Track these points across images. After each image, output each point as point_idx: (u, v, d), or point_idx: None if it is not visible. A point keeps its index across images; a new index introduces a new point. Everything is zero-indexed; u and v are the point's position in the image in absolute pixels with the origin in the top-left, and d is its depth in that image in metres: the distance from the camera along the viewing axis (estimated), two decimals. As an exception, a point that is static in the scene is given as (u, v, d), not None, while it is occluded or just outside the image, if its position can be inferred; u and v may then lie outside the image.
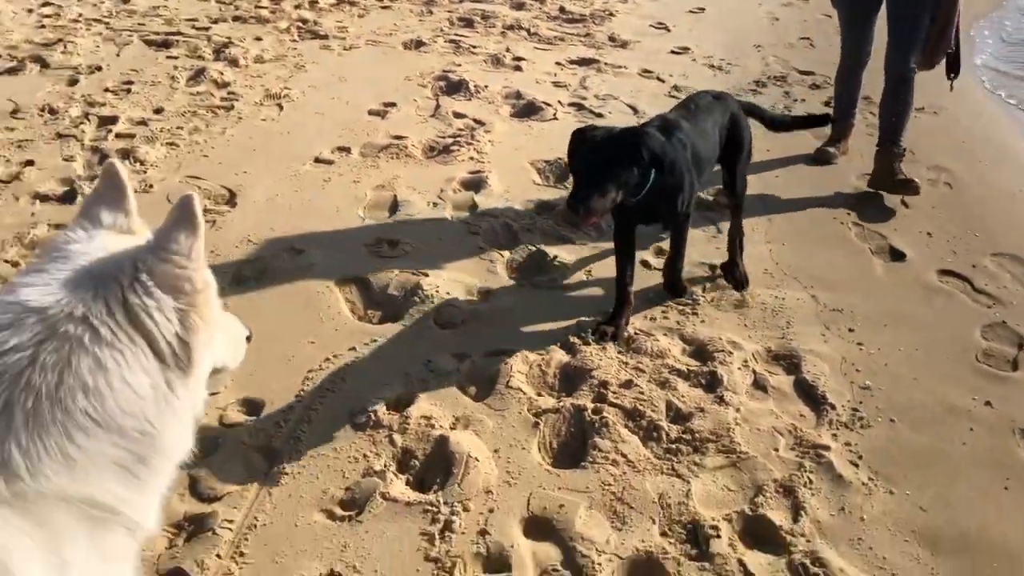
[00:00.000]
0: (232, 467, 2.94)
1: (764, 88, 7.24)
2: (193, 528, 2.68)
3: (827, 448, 3.16)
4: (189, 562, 2.53)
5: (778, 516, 2.85)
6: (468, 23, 8.48)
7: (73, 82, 6.42)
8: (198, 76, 6.61)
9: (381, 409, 3.21)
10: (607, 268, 4.09)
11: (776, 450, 3.15)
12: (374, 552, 2.64)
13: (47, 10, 8.31)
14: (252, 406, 3.25)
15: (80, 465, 1.38)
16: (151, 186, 4.84)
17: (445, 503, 2.82)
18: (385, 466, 2.97)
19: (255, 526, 2.71)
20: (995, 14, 11.47)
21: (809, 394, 3.48)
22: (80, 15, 8.17)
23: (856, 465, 3.11)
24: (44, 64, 6.75)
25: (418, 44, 7.73)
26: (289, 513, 2.77)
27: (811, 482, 3.01)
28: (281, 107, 6.13)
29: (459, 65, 7.15)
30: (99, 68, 6.73)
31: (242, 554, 2.61)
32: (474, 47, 7.69)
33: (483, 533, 2.72)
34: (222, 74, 6.65)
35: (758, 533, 2.81)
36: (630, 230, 3.78)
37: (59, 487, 1.35)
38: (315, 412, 3.22)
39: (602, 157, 3.35)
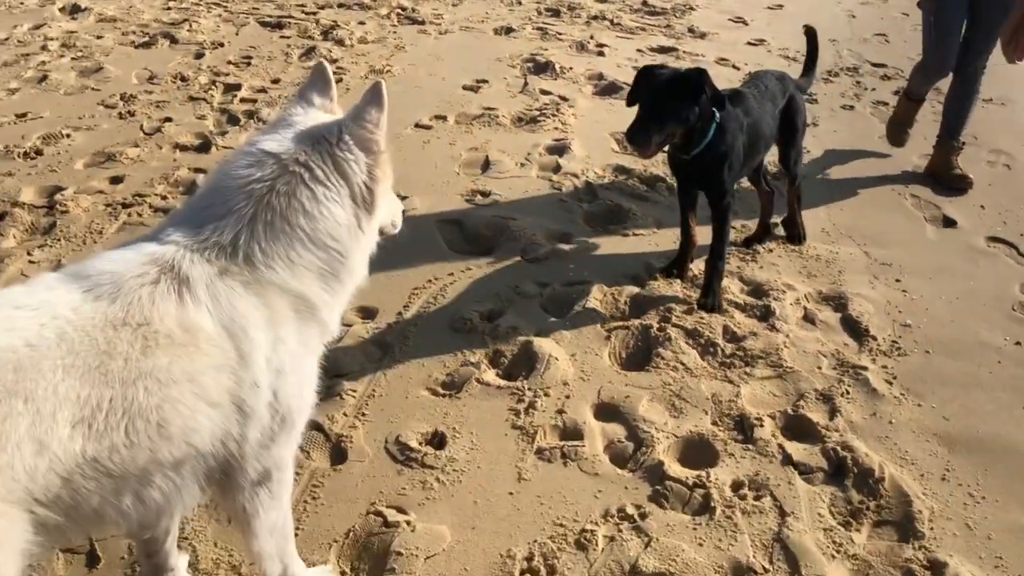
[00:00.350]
0: (354, 353, 3.52)
1: (836, 78, 7.60)
2: (323, 394, 3.25)
3: (865, 368, 3.60)
4: (321, 416, 3.11)
5: (816, 415, 3.30)
6: (555, 13, 9.01)
7: (199, 55, 7.15)
8: (309, 53, 7.28)
9: (476, 318, 3.77)
10: (676, 221, 4.56)
11: (819, 368, 3.60)
12: (470, 419, 3.19)
13: (172, -6, 9.12)
14: (368, 312, 3.83)
15: (297, 267, 1.97)
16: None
17: (529, 389, 3.35)
18: (479, 360, 3.52)
19: (373, 395, 3.28)
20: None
21: (853, 328, 3.91)
22: (201, -1, 8.97)
23: (890, 383, 3.54)
24: (173, 40, 7.52)
25: (508, 30, 8.29)
26: (400, 388, 3.33)
27: (848, 393, 3.45)
28: (383, 81, 6.73)
29: (546, 49, 7.68)
30: (221, 44, 7.46)
31: (363, 415, 3.19)
32: (560, 34, 8.22)
33: (560, 412, 3.24)
34: (331, 51, 7.31)
35: (797, 428, 3.26)
36: (689, 188, 4.18)
37: (283, 280, 1.94)
38: (420, 318, 3.79)
39: (665, 93, 3.66)
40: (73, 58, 6.97)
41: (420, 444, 3.07)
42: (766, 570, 2.62)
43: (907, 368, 3.65)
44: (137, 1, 8.78)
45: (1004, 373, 3.66)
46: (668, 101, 3.63)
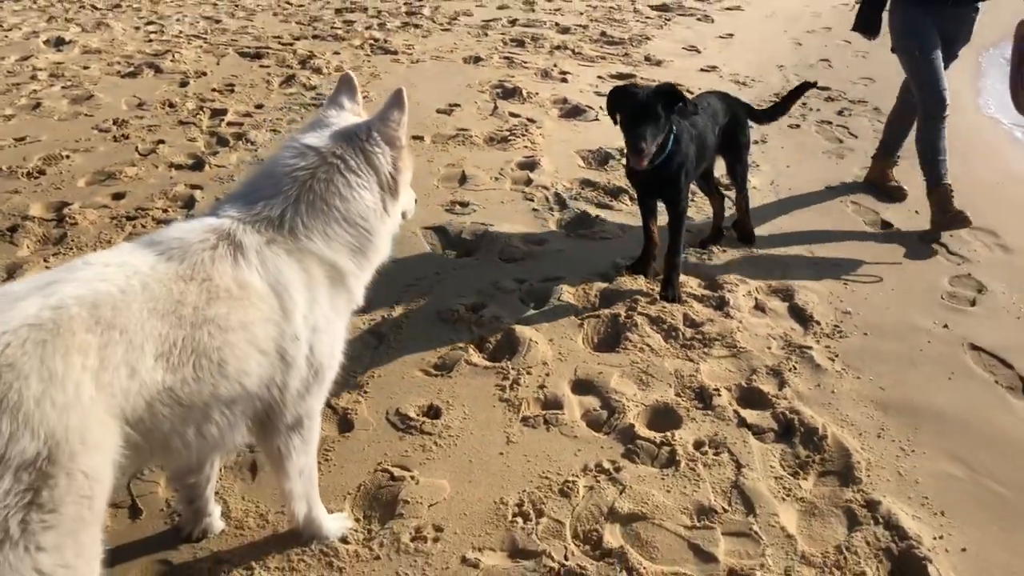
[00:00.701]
0: (351, 343, 3.82)
1: (783, 100, 8.14)
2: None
3: (810, 348, 4.04)
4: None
5: (767, 386, 3.73)
6: (520, 43, 9.51)
7: (184, 84, 7.52)
8: (289, 81, 7.68)
9: (461, 310, 4.16)
10: (638, 226, 5.00)
11: (769, 348, 4.04)
12: (461, 394, 3.57)
13: (151, 28, 9.50)
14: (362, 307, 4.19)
15: (332, 241, 2.36)
16: (262, 160, 5.85)
17: (513, 368, 3.74)
18: (466, 345, 3.90)
19: (373, 376, 3.65)
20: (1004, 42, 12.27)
21: (799, 315, 4.36)
22: (180, 31, 9.34)
23: (832, 360, 3.98)
24: (158, 69, 7.88)
25: (476, 59, 8.77)
26: (397, 369, 3.71)
27: (795, 368, 3.88)
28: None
29: (513, 76, 8.16)
30: (204, 73, 7.83)
31: (365, 392, 3.56)
32: (525, 63, 8.71)
33: (541, 387, 3.64)
34: (309, 79, 7.72)
35: (750, 397, 3.68)
36: (647, 198, 4.63)
37: (320, 250, 2.33)
38: (411, 311, 4.17)
39: (653, 104, 4.07)
40: (63, 87, 7.30)
41: (418, 415, 3.44)
42: (725, 510, 3.02)
43: (847, 347, 4.10)
44: (119, 34, 9.13)
45: (933, 351, 4.12)
46: (655, 112, 4.06)
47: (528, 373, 3.72)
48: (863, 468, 3.26)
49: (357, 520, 2.90)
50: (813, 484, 3.20)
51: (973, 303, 4.61)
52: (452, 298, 4.28)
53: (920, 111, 5.50)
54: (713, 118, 4.75)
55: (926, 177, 5.48)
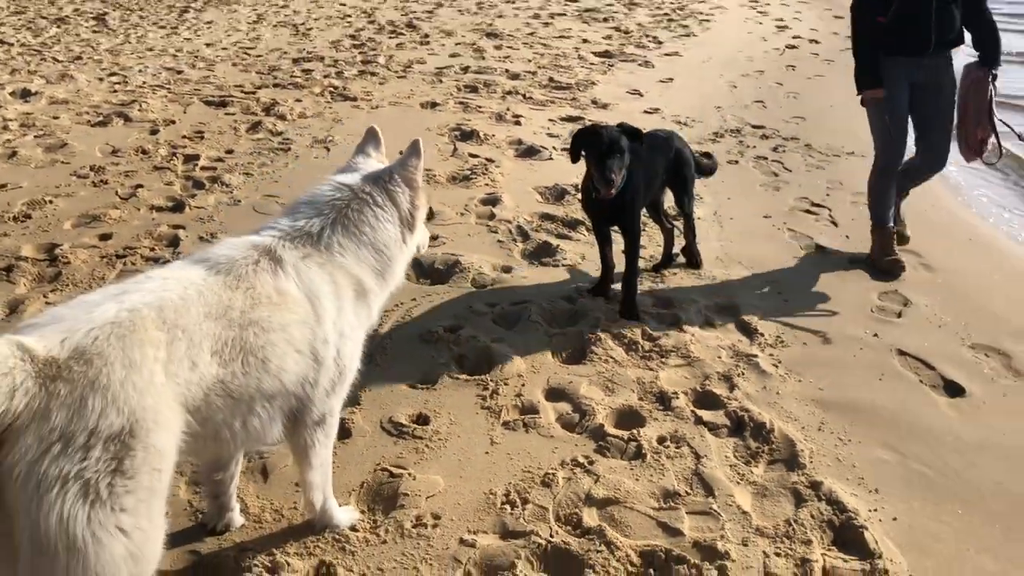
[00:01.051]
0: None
1: (721, 138, 8.75)
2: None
3: (756, 356, 4.49)
4: (325, 406, 3.80)
5: (719, 390, 4.16)
6: (473, 89, 10.00)
7: (154, 131, 7.83)
8: (255, 127, 8.04)
9: (440, 331, 4.54)
10: (595, 254, 5.44)
11: (720, 357, 4.48)
12: (447, 404, 3.93)
13: (115, 78, 9.80)
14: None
15: (360, 261, 2.77)
16: (239, 201, 6.20)
17: (491, 380, 4.12)
18: (447, 361, 4.28)
19: (365, 390, 3.99)
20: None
21: (745, 328, 4.82)
22: (144, 82, 9.66)
23: (776, 366, 4.44)
24: (127, 118, 8.18)
25: (433, 105, 9.22)
26: (386, 385, 4.06)
27: (743, 374, 4.32)
28: (328, 149, 7.55)
29: (469, 120, 8.62)
30: (172, 121, 8.15)
31: (359, 404, 3.90)
32: (480, 107, 9.19)
33: (518, 395, 4.02)
34: (275, 125, 8.09)
35: (705, 399, 4.11)
36: (603, 227, 5.09)
37: (349, 266, 2.73)
38: (394, 333, 4.54)
39: (618, 141, 4.58)
40: (36, 136, 7.56)
41: (409, 422, 3.79)
42: (688, 493, 3.42)
43: (789, 355, 4.56)
44: (84, 84, 9.41)
45: (865, 356, 4.60)
46: (620, 147, 4.58)
47: (505, 384, 4.10)
48: (807, 455, 3.69)
49: (363, 512, 3.23)
50: (763, 470, 3.62)
51: (899, 315, 5.12)
52: (431, 322, 4.66)
53: (877, 162, 5.76)
54: (662, 154, 5.24)
55: (872, 215, 5.84)
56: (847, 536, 3.24)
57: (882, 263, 5.69)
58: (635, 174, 4.81)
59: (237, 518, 3.10)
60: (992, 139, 5.48)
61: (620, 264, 5.05)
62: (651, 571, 3.00)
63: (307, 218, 2.77)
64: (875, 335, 4.85)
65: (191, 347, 2.26)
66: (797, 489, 3.48)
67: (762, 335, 4.74)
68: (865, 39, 5.46)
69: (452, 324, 4.65)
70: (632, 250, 4.89)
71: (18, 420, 1.94)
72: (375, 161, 3.09)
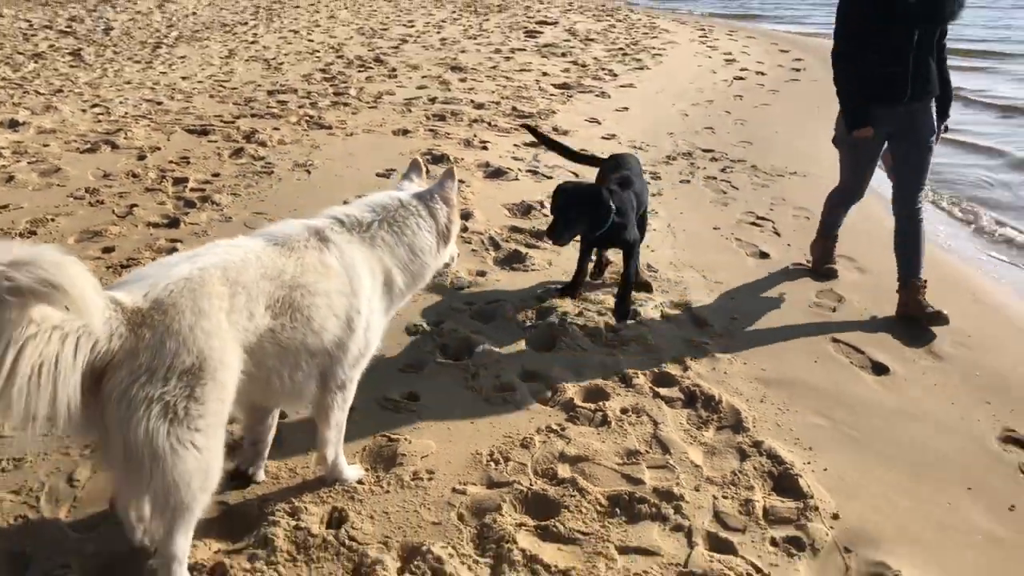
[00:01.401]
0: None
1: (675, 161, 9.41)
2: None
3: (707, 343, 5.06)
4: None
5: (674, 370, 4.71)
6: (441, 118, 10.58)
7: (142, 157, 8.27)
8: (238, 153, 8.51)
9: (424, 325, 5.04)
10: (564, 261, 6.00)
11: (674, 344, 5.03)
12: (434, 384, 4.43)
13: (98, 109, 10.22)
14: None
15: (395, 257, 3.31)
16: (230, 218, 6.66)
17: (472, 365, 4.63)
18: (432, 350, 4.78)
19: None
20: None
21: (697, 321, 5.39)
22: (126, 112, 10.09)
23: (724, 351, 5.00)
24: (114, 145, 8.61)
25: (404, 132, 9.77)
26: (378, 369, 4.48)
27: (695, 358, 4.88)
28: (309, 172, 8.05)
29: (439, 145, 9.18)
30: (158, 148, 8.60)
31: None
32: (449, 134, 9.76)
33: (497, 377, 4.53)
34: (257, 151, 8.57)
35: (662, 379, 4.65)
36: (590, 250, 5.61)
37: (385, 259, 3.29)
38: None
39: (572, 204, 5.09)
40: (29, 162, 7.96)
41: (401, 399, 4.29)
42: (648, 452, 3.94)
43: (736, 343, 5.13)
44: (68, 115, 9.82)
45: (803, 343, 5.19)
46: (573, 211, 5.12)
47: (485, 368, 4.61)
48: (750, 421, 4.25)
49: (367, 470, 3.71)
50: (713, 434, 4.16)
51: (834, 310, 5.74)
52: (415, 317, 5.16)
53: (838, 191, 6.16)
54: (640, 176, 5.82)
55: (821, 224, 6.36)
56: (784, 483, 3.79)
57: (822, 269, 6.34)
58: (625, 211, 5.27)
59: (260, 473, 3.56)
60: None
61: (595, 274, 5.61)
62: (617, 510, 3.52)
63: (360, 212, 3.33)
64: (810, 323, 5.44)
65: (249, 300, 2.77)
66: (742, 447, 4.03)
67: (711, 326, 5.31)
68: (852, 83, 5.48)
69: (435, 319, 5.15)
70: (629, 261, 5.37)
71: (115, 358, 2.44)
72: (416, 185, 3.66)
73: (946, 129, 5.74)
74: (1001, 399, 4.67)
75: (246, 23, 19.07)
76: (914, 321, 5.47)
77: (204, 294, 2.64)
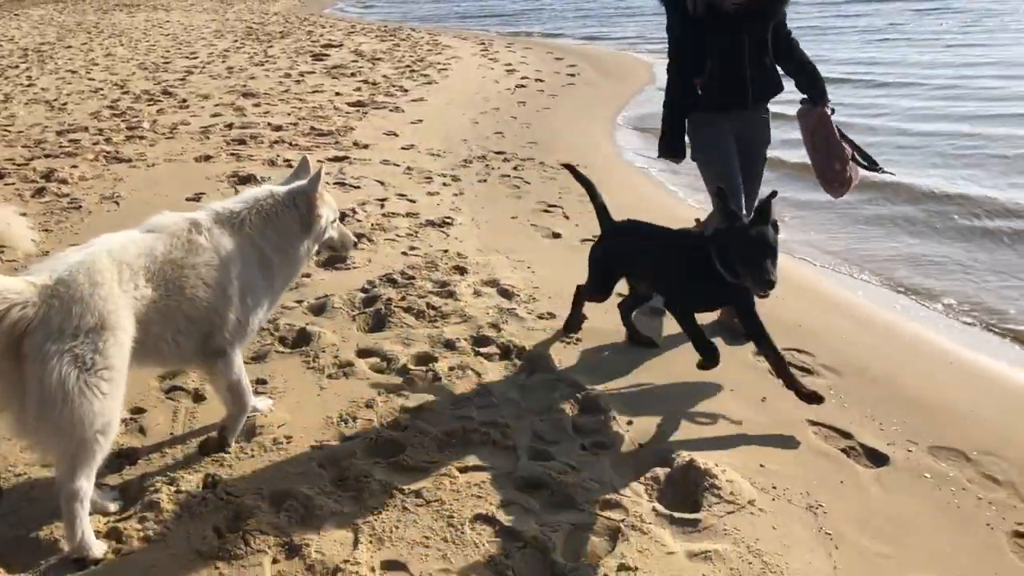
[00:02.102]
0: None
1: (470, 164, 10.22)
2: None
3: (515, 309, 5.82)
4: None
5: (490, 333, 5.42)
6: (241, 141, 10.88)
7: (-65, 205, 8.10)
8: (40, 192, 8.51)
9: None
10: (383, 258, 6.58)
11: (488, 313, 5.75)
12: (277, 371, 4.92)
13: None
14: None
15: (267, 240, 3.82)
16: (47, 252, 6.78)
17: (311, 351, 5.15)
18: (272, 343, 5.25)
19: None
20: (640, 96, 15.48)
21: (506, 293, 6.14)
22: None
23: (530, 314, 5.77)
24: (-99, 196, 8.36)
25: (207, 157, 10.02)
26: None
27: (507, 321, 5.62)
28: (117, 203, 8.20)
29: (244, 167, 9.52)
30: (-49, 194, 8.44)
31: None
32: (252, 156, 10.10)
33: (335, 357, 5.06)
34: (60, 188, 8.60)
35: (481, 341, 5.34)
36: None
37: (256, 239, 3.82)
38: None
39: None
40: None
41: (252, 384, 4.73)
42: (475, 396, 4.62)
43: (538, 307, 5.91)
44: None
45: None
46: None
47: (323, 351, 5.14)
48: (558, 362, 5.04)
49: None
50: (527, 376, 4.90)
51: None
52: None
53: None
54: None
55: None
56: (588, 404, 4.57)
57: (728, 323, 5.65)
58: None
59: None
60: (851, 164, 5.38)
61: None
62: (454, 441, 4.17)
63: (233, 203, 3.88)
64: (602, 287, 6.33)
65: (133, 275, 3.33)
66: (553, 382, 4.80)
67: (518, 296, 6.08)
68: (677, 103, 5.38)
69: (270, 318, 5.59)
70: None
71: (31, 324, 2.99)
72: (298, 181, 4.12)
73: (833, 111, 5.44)
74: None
75: (16, 66, 18.29)
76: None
77: (96, 270, 3.20)
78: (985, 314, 6.33)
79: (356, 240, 4.57)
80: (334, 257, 6.67)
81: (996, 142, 11.11)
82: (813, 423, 4.46)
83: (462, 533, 3.52)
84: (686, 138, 5.51)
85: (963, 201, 8.81)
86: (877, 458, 4.18)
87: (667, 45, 5.40)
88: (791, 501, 3.80)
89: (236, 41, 23.03)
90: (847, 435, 4.37)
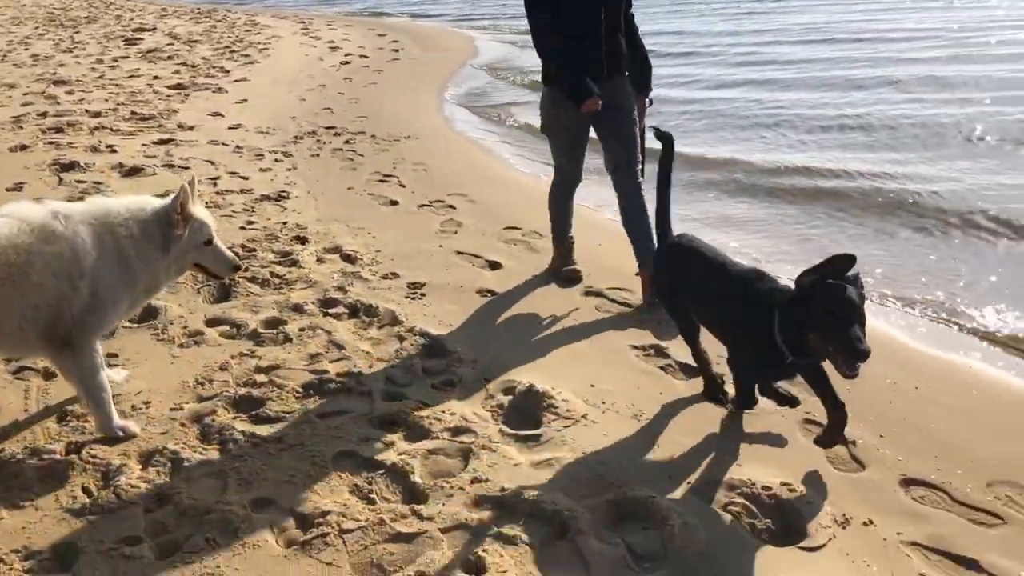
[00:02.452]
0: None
1: (301, 140, 10.30)
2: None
3: (358, 272, 6.07)
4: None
5: (336, 295, 5.65)
6: (58, 130, 10.45)
7: None
8: None
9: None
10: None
11: (333, 277, 5.97)
12: (128, 345, 4.97)
13: None
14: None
15: (128, 241, 3.81)
16: None
17: (159, 324, 5.22)
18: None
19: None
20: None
21: (348, 258, 6.37)
22: None
23: (373, 275, 6.03)
24: None
25: (22, 147, 9.60)
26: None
27: (352, 284, 5.86)
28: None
29: (65, 155, 9.20)
30: None
31: (53, 357, 4.79)
32: (72, 143, 9.75)
33: (184, 328, 5.17)
34: None
35: (328, 302, 5.56)
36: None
37: (118, 238, 3.82)
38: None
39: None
40: None
41: (105, 358, 4.79)
42: (327, 352, 4.86)
43: (382, 268, 6.18)
44: None
45: (433, 258, 6.38)
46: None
47: (171, 324, 5.22)
48: (403, 316, 5.33)
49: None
50: (375, 331, 5.18)
51: (456, 232, 7.01)
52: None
53: (556, 183, 5.96)
54: None
55: (552, 231, 6.15)
56: (436, 350, 4.91)
57: (563, 273, 6.06)
58: None
59: None
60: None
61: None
62: (311, 392, 4.42)
63: (112, 202, 3.94)
64: (439, 246, 6.67)
65: None
66: (400, 334, 5.09)
67: (361, 259, 6.33)
68: (565, 60, 5.37)
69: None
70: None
71: None
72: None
73: (651, 103, 5.74)
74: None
75: None
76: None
77: None
78: (766, 257, 7.12)
79: (239, 264, 4.39)
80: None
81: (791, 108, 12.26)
82: (635, 347, 4.98)
83: (326, 469, 3.78)
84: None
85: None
86: (689, 371, 4.73)
87: (528, 19, 5.46)
88: (619, 412, 4.28)
89: (38, 28, 21.73)
90: (665, 354, 4.91)
